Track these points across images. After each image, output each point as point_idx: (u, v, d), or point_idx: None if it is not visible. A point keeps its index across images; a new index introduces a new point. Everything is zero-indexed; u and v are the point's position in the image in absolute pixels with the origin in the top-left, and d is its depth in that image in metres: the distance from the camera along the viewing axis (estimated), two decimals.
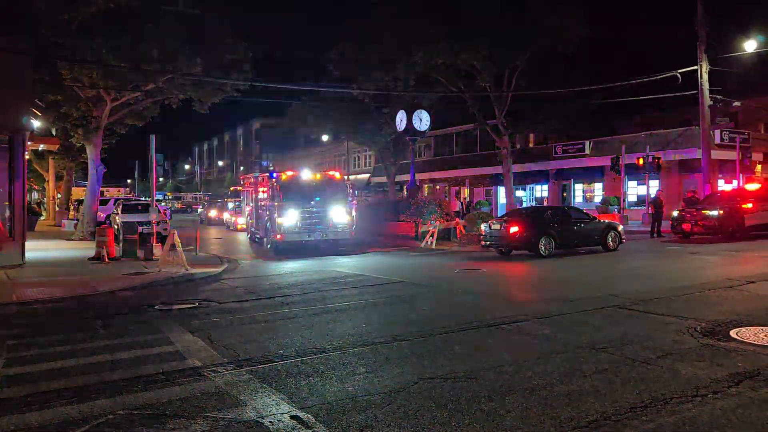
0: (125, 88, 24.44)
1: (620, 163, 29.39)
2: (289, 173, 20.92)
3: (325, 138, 50.96)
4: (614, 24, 31.67)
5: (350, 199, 21.16)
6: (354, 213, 20.90)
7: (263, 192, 22.32)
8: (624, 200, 31.52)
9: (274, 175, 20.81)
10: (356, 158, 58.45)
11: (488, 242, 18.88)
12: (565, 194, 38.98)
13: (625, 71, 27.49)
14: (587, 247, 18.66)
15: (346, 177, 23.91)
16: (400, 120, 28.80)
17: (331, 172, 21.92)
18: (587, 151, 35.81)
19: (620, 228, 19.18)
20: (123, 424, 4.94)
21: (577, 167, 36.59)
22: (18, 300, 11.50)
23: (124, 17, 21.61)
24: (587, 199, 37.44)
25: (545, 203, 38.83)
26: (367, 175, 54.27)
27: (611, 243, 18.43)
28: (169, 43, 22.10)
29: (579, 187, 38.78)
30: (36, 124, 25.29)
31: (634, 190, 34.66)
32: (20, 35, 17.21)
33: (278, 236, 19.72)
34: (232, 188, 60.60)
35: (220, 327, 8.81)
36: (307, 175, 21.06)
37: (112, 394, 5.71)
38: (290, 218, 19.70)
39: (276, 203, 20.08)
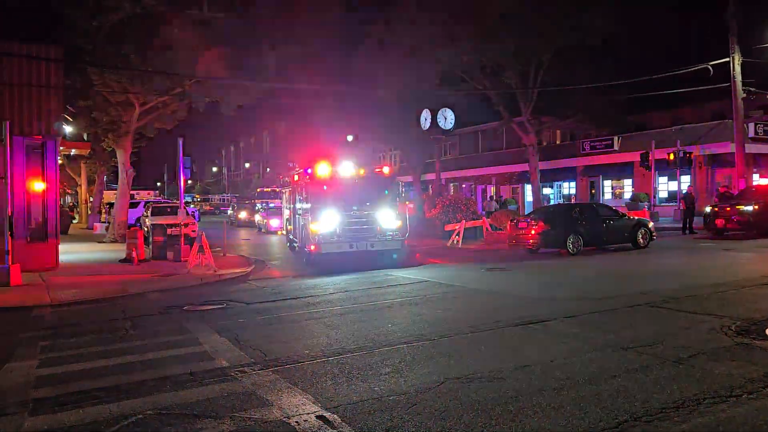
0: (153, 93, 24.85)
1: (650, 158, 28.85)
2: (327, 169, 16.70)
3: (349, 138, 51.04)
4: (643, 16, 31.06)
5: (401, 200, 17.36)
6: (407, 217, 17.05)
7: (299, 192, 18.69)
8: (654, 196, 30.93)
9: (309, 171, 16.90)
10: (380, 157, 58.42)
11: (515, 241, 18.70)
12: (593, 191, 38.41)
13: (654, 64, 26.96)
14: (617, 244, 18.35)
15: (396, 174, 19.23)
16: (425, 119, 28.75)
17: (378, 168, 17.76)
18: (616, 147, 35.22)
19: (651, 225, 18.82)
20: (153, 424, 5.01)
21: (606, 163, 36.01)
22: (52, 302, 11.78)
23: (151, 23, 21.98)
24: (616, 196, 36.82)
25: (573, 200, 38.33)
26: None
27: (641, 240, 18.09)
28: (194, 48, 22.39)
29: (608, 184, 38.17)
30: (68, 129, 25.91)
31: (664, 185, 33.96)
32: (51, 42, 17.62)
33: (312, 246, 15.93)
34: (258, 189, 61.08)
35: (247, 327, 8.89)
36: (348, 170, 16.90)
37: (142, 394, 5.80)
38: (327, 224, 15.91)
39: (310, 206, 16.50)
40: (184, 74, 23.07)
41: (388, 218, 16.46)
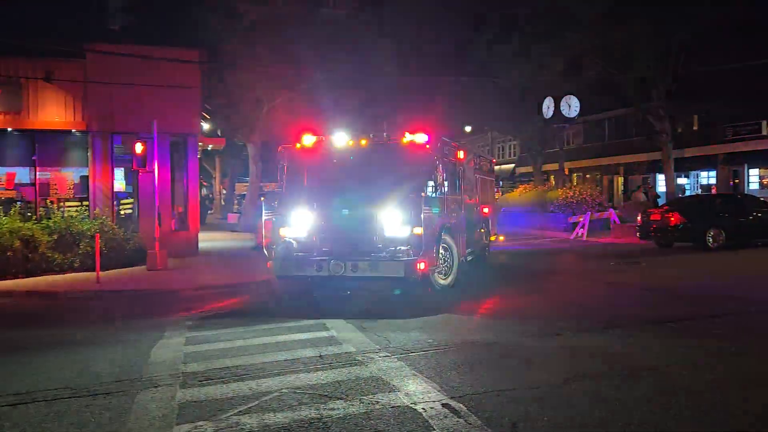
0: (281, 89, 26.13)
1: None
2: (311, 139, 11.02)
3: (468, 129, 50.56)
4: None
5: (442, 190, 10.76)
6: (431, 218, 9.92)
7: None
8: None
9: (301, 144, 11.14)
10: (500, 148, 57.47)
11: (646, 234, 17.60)
12: (736, 180, 35.13)
13: None
14: (766, 239, 16.70)
15: (444, 143, 11.43)
16: (547, 107, 27.72)
17: (407, 134, 10.50)
18: (764, 132, 31.93)
19: None
20: (289, 402, 5.30)
21: (752, 150, 32.74)
22: (194, 285, 12.82)
23: (279, 23, 23.18)
24: (764, 186, 33.45)
25: (713, 191, 35.34)
26: (512, 165, 53.09)
27: None
28: (319, 45, 23.31)
29: (753, 173, 34.70)
30: (205, 126, 27.94)
31: None
32: (191, 47, 19.04)
33: (268, 263, 10.82)
34: None
35: (372, 314, 9.12)
36: (343, 141, 10.91)
37: (277, 373, 6.15)
38: (293, 229, 10.49)
39: (275, 199, 11.38)
40: (309, 70, 24.04)
41: (393, 221, 9.68)
